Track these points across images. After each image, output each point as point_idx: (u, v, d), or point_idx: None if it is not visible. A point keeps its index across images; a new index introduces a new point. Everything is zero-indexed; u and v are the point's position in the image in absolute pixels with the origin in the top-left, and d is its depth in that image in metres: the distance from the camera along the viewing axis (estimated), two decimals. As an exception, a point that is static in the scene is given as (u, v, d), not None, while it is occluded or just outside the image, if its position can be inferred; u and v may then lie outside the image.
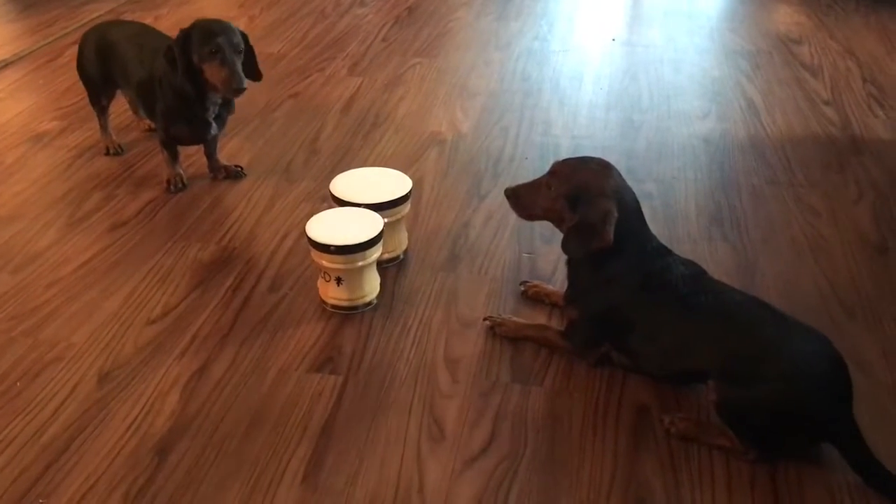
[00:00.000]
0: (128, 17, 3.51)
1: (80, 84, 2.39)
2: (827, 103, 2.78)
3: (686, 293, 1.47)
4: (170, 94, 2.07)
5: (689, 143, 2.50)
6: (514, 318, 1.72)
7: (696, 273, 1.52)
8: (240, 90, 1.98)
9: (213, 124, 2.15)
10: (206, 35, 1.97)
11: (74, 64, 2.38)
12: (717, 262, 1.89)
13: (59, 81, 2.90)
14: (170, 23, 3.41)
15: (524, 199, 1.60)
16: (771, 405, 1.34)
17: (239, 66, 1.98)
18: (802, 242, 2.02)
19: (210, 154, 2.26)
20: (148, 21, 3.41)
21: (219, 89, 2.00)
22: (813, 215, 2.13)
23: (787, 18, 3.65)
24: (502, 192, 1.65)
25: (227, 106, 2.16)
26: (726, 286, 1.52)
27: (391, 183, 1.87)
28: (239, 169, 2.28)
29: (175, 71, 1.98)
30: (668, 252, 1.55)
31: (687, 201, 2.18)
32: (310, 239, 1.69)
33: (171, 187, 2.20)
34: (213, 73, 1.97)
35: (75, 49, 2.38)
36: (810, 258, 1.96)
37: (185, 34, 1.99)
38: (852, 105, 2.77)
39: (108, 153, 2.38)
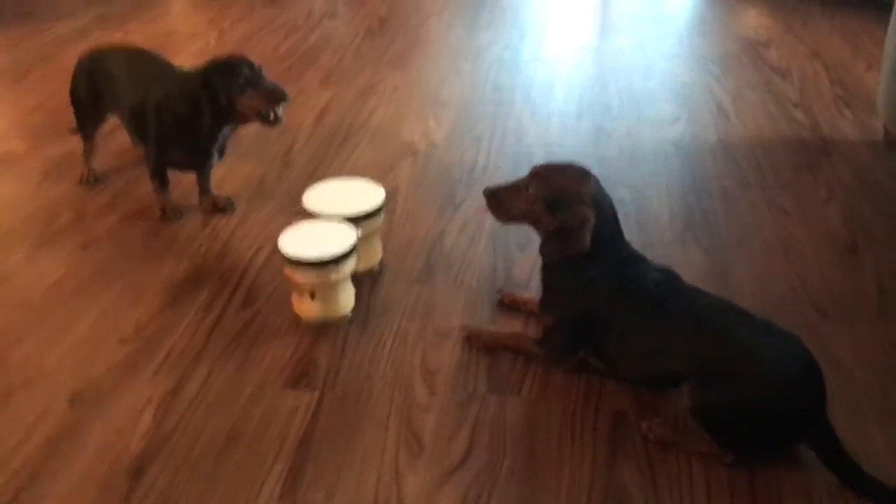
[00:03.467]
0: (96, 33, 3.48)
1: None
2: (796, 105, 2.81)
3: (660, 298, 1.48)
4: (170, 122, 2.02)
5: (660, 149, 2.51)
6: (490, 328, 1.72)
7: (670, 278, 1.53)
8: (285, 96, 1.95)
9: (215, 154, 2.11)
10: (229, 70, 1.94)
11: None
12: (690, 266, 1.90)
13: (26, 100, 2.86)
14: (138, 38, 3.39)
15: (502, 200, 1.60)
16: (745, 408, 1.35)
17: (270, 81, 1.97)
18: (774, 244, 2.03)
19: (203, 182, 2.19)
20: (117, 37, 3.40)
21: (259, 114, 1.96)
22: (784, 216, 2.15)
23: (754, 22, 3.69)
24: (476, 201, 1.66)
25: (230, 136, 2.12)
26: (699, 290, 1.53)
27: (365, 194, 1.86)
28: (229, 201, 2.20)
29: (203, 116, 1.96)
30: (642, 259, 1.56)
31: (660, 206, 2.20)
32: (282, 253, 1.68)
33: (169, 215, 2.14)
34: (251, 101, 1.94)
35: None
36: (782, 259, 1.97)
37: (206, 79, 1.95)
38: (821, 107, 2.80)
39: (81, 181, 2.31)
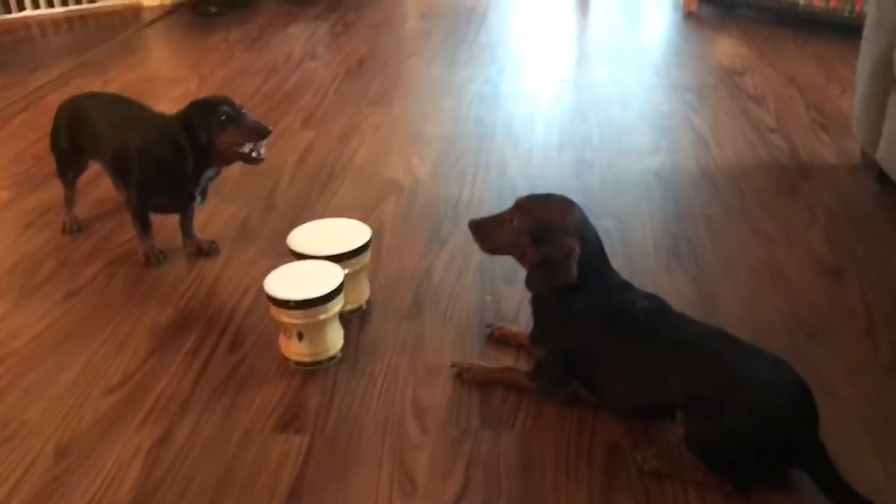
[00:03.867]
0: (76, 81, 3.49)
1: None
2: (773, 131, 2.85)
3: (649, 327, 1.48)
4: (152, 166, 2.01)
5: (642, 178, 2.53)
6: (481, 363, 1.71)
7: (658, 306, 1.53)
8: (268, 133, 1.95)
9: (198, 197, 2.10)
10: (208, 109, 1.94)
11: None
12: (677, 294, 1.90)
13: (6, 151, 2.85)
14: (119, 85, 3.40)
15: (487, 232, 1.60)
16: (738, 435, 1.34)
17: (252, 118, 1.97)
18: (760, 269, 2.04)
19: (187, 226, 2.18)
20: (97, 84, 3.41)
21: (241, 153, 1.95)
22: (768, 241, 2.17)
23: (729, 51, 3.75)
24: (462, 236, 1.65)
25: (213, 178, 2.11)
26: (688, 318, 1.53)
27: (350, 233, 1.86)
28: (213, 245, 2.19)
29: (185, 159, 1.94)
30: (629, 287, 1.56)
31: (644, 235, 2.21)
32: (268, 295, 1.67)
33: (152, 260, 2.13)
34: (232, 138, 1.94)
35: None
36: (769, 284, 1.98)
37: (186, 120, 1.94)
38: (798, 132, 2.83)
39: (64, 230, 2.30)
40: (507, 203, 1.60)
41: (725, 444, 1.36)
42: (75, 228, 2.31)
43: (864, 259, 2.06)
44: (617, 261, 1.62)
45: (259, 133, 1.95)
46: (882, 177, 2.35)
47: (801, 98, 3.12)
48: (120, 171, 2.12)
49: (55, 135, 2.27)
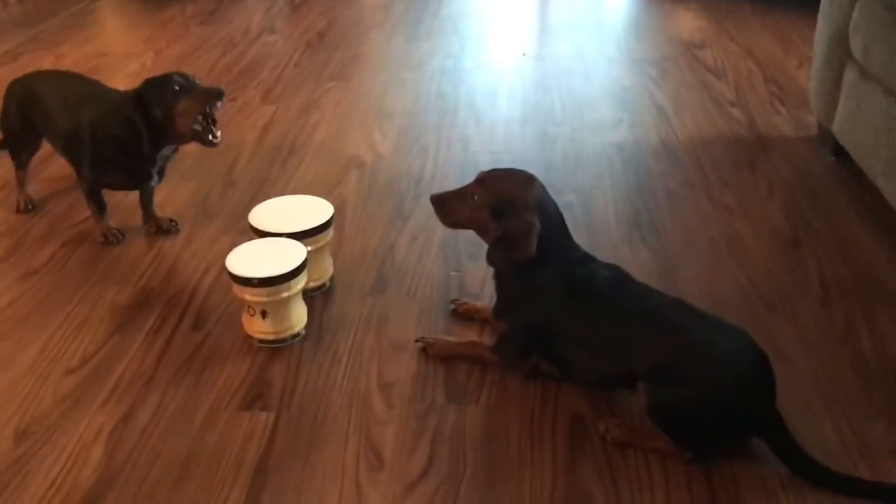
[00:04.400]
0: (27, 56, 3.40)
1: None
2: (733, 104, 2.88)
3: (611, 298, 1.50)
4: (105, 144, 1.97)
5: (604, 152, 2.55)
6: (446, 338, 1.72)
7: (620, 277, 1.55)
8: (221, 94, 1.92)
9: (155, 176, 2.06)
10: (161, 83, 1.91)
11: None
12: (638, 266, 1.92)
13: (-44, 127, 2.77)
14: (72, 60, 3.32)
15: (449, 206, 1.60)
16: (698, 405, 1.37)
17: (204, 85, 1.94)
18: (719, 241, 2.07)
19: (147, 204, 2.14)
20: (49, 59, 3.33)
21: (196, 134, 1.92)
22: (727, 213, 2.20)
23: (689, 24, 3.77)
24: (426, 212, 1.65)
25: (170, 157, 2.08)
26: (650, 288, 1.55)
27: (312, 210, 1.85)
28: (173, 223, 2.16)
29: (140, 137, 1.91)
30: (591, 259, 1.57)
31: (606, 208, 2.22)
32: (230, 273, 1.66)
33: (111, 239, 2.09)
34: (187, 107, 1.90)
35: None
36: (728, 255, 2.01)
37: (139, 98, 1.91)
38: (756, 105, 2.87)
39: (18, 209, 2.25)
40: (470, 178, 1.60)
41: (686, 414, 1.39)
42: (30, 207, 2.26)
43: (819, 230, 2.11)
44: (579, 234, 1.64)
45: (212, 95, 1.91)
46: (837, 149, 2.39)
47: (760, 71, 3.16)
48: (72, 149, 2.07)
49: (6, 113, 2.21)
